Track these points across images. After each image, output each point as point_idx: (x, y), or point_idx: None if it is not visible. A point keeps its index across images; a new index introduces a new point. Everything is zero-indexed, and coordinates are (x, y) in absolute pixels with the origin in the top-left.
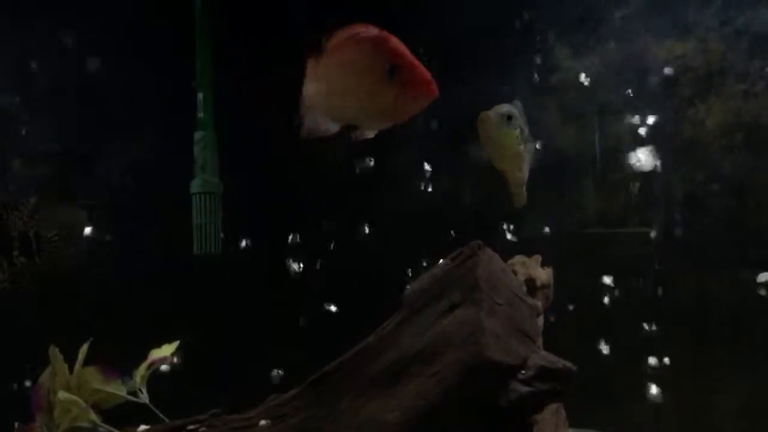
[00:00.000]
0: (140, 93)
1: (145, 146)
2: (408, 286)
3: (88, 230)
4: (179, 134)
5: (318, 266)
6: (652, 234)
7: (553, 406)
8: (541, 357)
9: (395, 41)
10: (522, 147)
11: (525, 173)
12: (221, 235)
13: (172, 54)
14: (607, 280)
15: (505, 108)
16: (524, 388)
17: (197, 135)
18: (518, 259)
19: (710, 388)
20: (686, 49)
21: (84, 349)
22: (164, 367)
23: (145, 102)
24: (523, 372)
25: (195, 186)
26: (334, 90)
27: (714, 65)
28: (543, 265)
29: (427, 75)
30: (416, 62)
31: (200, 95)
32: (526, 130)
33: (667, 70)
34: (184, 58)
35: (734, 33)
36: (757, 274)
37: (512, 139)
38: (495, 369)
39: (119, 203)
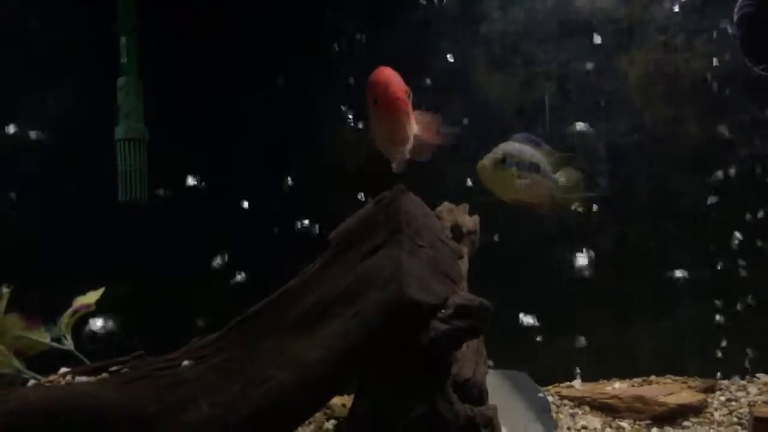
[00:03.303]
0: (62, 37)
1: (68, 92)
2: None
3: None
4: (103, 80)
5: (243, 212)
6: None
7: (475, 345)
8: (460, 296)
9: (380, 74)
10: (524, 180)
11: (542, 195)
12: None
13: None
14: (530, 228)
15: (499, 151)
16: (443, 326)
17: (120, 81)
18: (446, 206)
19: (626, 329)
20: (609, 1)
21: (5, 295)
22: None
23: (67, 47)
24: (443, 311)
25: (119, 132)
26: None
27: (636, 17)
28: (470, 213)
29: (396, 93)
30: (389, 85)
31: (123, 39)
32: (543, 158)
33: (591, 22)
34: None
35: None
36: (674, 224)
37: (509, 179)
38: (415, 308)
39: (43, 151)
